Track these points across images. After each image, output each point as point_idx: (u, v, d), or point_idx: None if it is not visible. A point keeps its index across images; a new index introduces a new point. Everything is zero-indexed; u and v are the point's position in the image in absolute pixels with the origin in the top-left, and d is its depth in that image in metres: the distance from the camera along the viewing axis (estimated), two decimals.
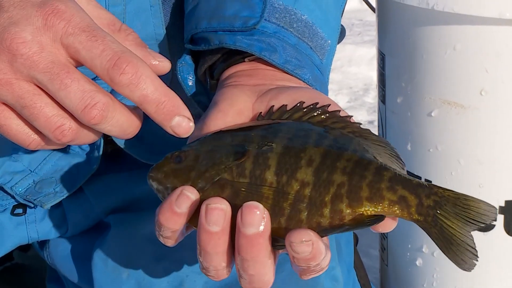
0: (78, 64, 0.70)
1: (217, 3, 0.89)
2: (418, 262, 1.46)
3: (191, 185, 0.71)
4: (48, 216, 1.05)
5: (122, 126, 0.71)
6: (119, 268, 1.00)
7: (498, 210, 1.34)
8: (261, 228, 0.68)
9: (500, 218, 1.33)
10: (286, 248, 0.69)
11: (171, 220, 0.70)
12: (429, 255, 1.43)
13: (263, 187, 0.70)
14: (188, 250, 0.87)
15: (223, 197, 0.70)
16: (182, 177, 0.73)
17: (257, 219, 0.68)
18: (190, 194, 0.70)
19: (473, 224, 0.71)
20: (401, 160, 0.74)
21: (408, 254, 1.48)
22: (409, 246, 1.47)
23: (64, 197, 1.02)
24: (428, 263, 1.44)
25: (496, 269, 1.38)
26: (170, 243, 0.74)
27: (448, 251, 0.71)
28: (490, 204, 0.71)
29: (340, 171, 0.70)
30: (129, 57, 0.68)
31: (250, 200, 0.69)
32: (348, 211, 0.70)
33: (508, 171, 1.32)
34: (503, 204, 1.33)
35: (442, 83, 1.33)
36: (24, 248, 1.25)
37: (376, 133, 0.75)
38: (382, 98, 1.50)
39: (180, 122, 0.71)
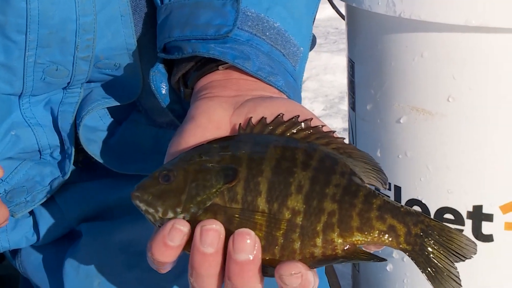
0: None
1: (189, 12, 0.89)
2: (389, 267, 1.47)
3: (183, 209, 0.71)
4: (19, 225, 1.04)
5: None
6: (91, 276, 0.99)
7: (466, 215, 1.35)
8: (252, 255, 0.68)
9: (469, 223, 1.35)
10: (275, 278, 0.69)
11: (165, 254, 0.70)
12: (399, 261, 1.44)
13: (256, 214, 0.70)
14: None
15: None
16: (173, 200, 0.72)
17: (249, 246, 0.68)
18: (182, 228, 0.70)
19: (455, 256, 0.71)
20: (384, 175, 0.74)
21: None
22: (380, 252, 1.47)
23: (35, 206, 1.01)
24: (398, 268, 1.45)
25: (465, 273, 1.39)
26: (163, 271, 0.74)
27: (434, 281, 0.71)
28: (470, 239, 0.71)
29: (330, 198, 0.70)
30: None
31: (244, 227, 0.69)
32: (340, 240, 0.70)
33: (475, 177, 1.33)
34: (471, 209, 1.34)
35: (410, 90, 1.34)
36: None
37: (347, 140, 0.75)
38: (352, 105, 1.51)
39: None
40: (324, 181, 0.71)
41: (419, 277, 0.72)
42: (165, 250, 0.70)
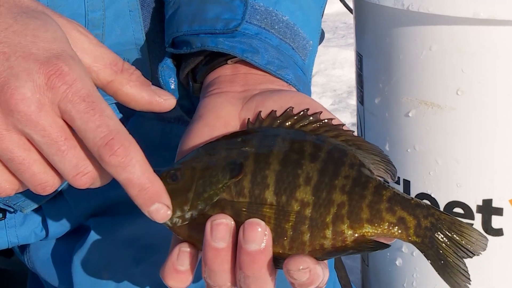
0: None
1: (198, 6, 0.89)
2: (398, 262, 1.47)
3: (190, 207, 0.72)
4: (28, 220, 1.04)
5: (103, 184, 0.73)
6: (99, 271, 0.99)
7: (475, 209, 1.34)
8: (263, 245, 0.69)
9: (478, 217, 1.34)
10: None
11: (179, 279, 0.72)
12: (408, 255, 1.44)
13: (264, 207, 0.70)
14: (166, 253, 0.87)
15: None
16: (180, 198, 0.72)
17: (259, 235, 0.68)
18: (188, 249, 0.72)
19: (463, 251, 0.71)
20: (393, 167, 0.74)
21: (388, 254, 1.49)
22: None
23: (44, 201, 1.01)
24: (408, 263, 1.45)
25: (474, 267, 1.39)
26: None
27: (443, 273, 0.71)
28: (482, 234, 0.71)
29: (339, 190, 0.70)
30: (123, 138, 0.67)
31: None
32: (349, 232, 0.70)
33: (485, 170, 1.33)
34: (480, 203, 1.34)
35: (418, 83, 1.33)
36: (7, 254, 1.25)
37: (356, 134, 0.75)
38: (361, 99, 1.51)
39: (158, 209, 0.70)
40: (333, 173, 0.71)
41: (429, 271, 0.72)
42: (178, 276, 0.72)
